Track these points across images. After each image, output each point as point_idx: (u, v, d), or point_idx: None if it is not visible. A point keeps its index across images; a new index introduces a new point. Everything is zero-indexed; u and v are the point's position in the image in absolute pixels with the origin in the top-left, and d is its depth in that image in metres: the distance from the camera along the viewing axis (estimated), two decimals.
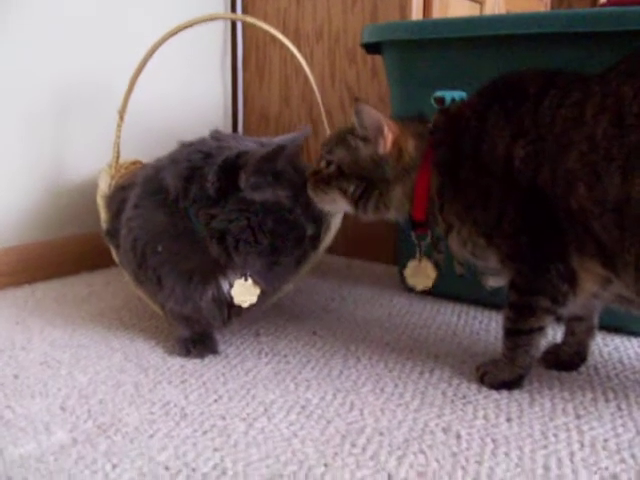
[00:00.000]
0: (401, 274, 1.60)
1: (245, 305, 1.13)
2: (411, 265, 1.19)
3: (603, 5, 1.39)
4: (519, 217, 0.97)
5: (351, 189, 1.05)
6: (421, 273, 1.18)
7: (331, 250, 1.46)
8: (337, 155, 1.07)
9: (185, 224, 1.07)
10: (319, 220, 1.14)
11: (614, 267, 0.93)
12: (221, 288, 1.12)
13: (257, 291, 1.13)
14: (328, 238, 1.36)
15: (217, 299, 1.12)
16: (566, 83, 0.96)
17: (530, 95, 0.97)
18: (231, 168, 1.03)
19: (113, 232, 1.22)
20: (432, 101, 1.31)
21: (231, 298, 1.12)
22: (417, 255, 1.17)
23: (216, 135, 1.15)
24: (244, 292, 1.12)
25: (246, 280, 1.12)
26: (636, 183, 0.87)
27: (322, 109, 1.49)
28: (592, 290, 0.98)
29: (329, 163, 1.07)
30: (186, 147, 1.13)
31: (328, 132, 1.49)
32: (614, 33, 1.12)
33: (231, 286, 1.12)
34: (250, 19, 1.45)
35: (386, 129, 1.02)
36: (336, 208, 1.12)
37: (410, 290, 1.57)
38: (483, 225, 1.01)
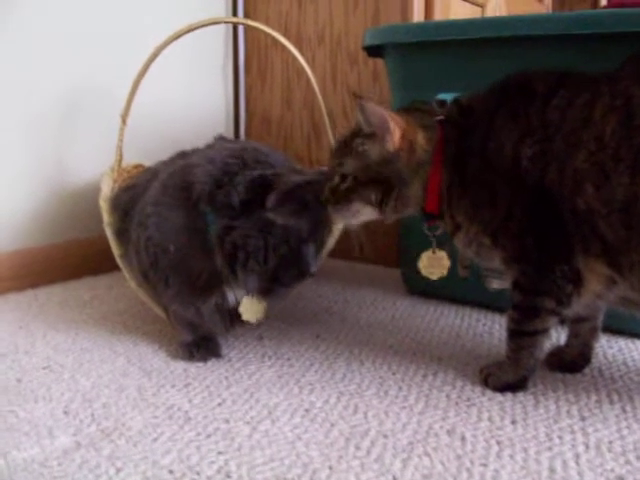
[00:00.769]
0: (404, 277, 1.60)
1: (253, 321, 1.13)
2: (425, 256, 1.18)
3: (605, 7, 1.38)
4: (525, 217, 0.97)
5: (372, 196, 1.03)
6: (436, 263, 1.17)
7: (334, 254, 1.46)
8: (350, 166, 1.04)
9: (201, 228, 1.06)
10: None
11: (619, 267, 0.93)
12: (225, 297, 1.12)
13: (264, 306, 1.13)
14: (331, 242, 1.36)
15: (220, 307, 1.12)
16: (575, 83, 0.96)
17: (539, 95, 0.96)
18: (264, 185, 1.03)
19: (123, 231, 1.22)
20: (434, 104, 1.31)
21: (234, 307, 1.12)
22: (432, 246, 1.16)
23: (255, 148, 1.14)
24: (251, 309, 1.12)
25: (253, 296, 1.12)
26: None
27: (324, 112, 1.49)
28: (596, 291, 0.98)
29: (344, 177, 1.05)
30: (224, 149, 1.12)
31: (330, 135, 1.49)
32: (616, 35, 1.12)
33: (236, 297, 1.12)
34: (252, 22, 1.45)
35: (392, 124, 1.00)
36: (362, 218, 1.09)
37: (413, 292, 1.57)
38: (489, 224, 1.00)
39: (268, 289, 1.09)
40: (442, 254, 1.15)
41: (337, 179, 1.06)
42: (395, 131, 1.01)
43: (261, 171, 1.05)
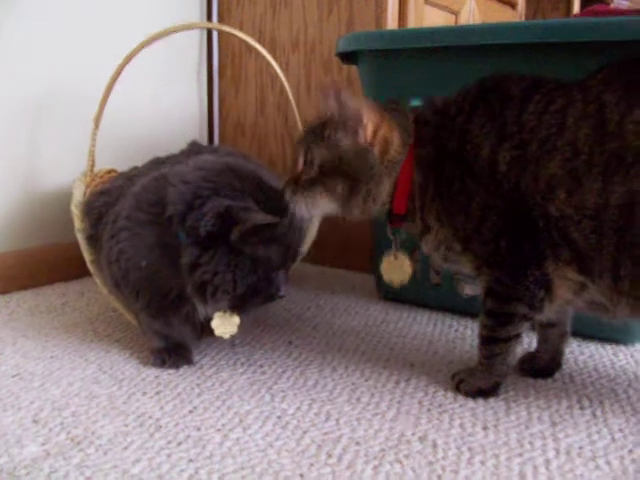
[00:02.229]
0: (377, 282, 1.60)
1: (226, 337, 1.13)
2: (386, 260, 1.17)
3: (576, 16, 1.40)
4: (500, 222, 0.97)
5: (338, 188, 1.02)
6: (397, 268, 1.16)
7: (306, 259, 1.45)
8: (318, 155, 1.02)
9: (173, 245, 1.04)
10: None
11: (590, 273, 0.93)
12: (196, 309, 1.10)
13: (237, 321, 1.12)
14: (304, 247, 1.36)
15: (191, 317, 1.11)
16: (549, 89, 0.96)
17: (515, 99, 0.97)
18: (229, 219, 1.00)
19: (96, 237, 1.21)
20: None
21: (205, 318, 1.11)
22: (392, 250, 1.15)
23: (233, 168, 1.11)
24: (224, 324, 1.12)
25: (225, 312, 1.11)
26: (615, 190, 0.88)
27: (298, 118, 1.49)
28: (566, 297, 0.98)
29: (310, 164, 1.03)
30: (199, 169, 1.09)
31: None
32: (587, 43, 1.13)
33: (206, 311, 1.11)
34: (226, 28, 1.45)
35: (366, 117, 0.99)
36: (320, 211, 1.08)
37: (386, 298, 1.58)
38: (462, 229, 1.00)
39: (239, 307, 1.09)
40: (404, 259, 1.15)
41: (301, 165, 1.05)
42: (368, 125, 1.00)
43: (231, 201, 1.02)
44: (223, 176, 1.07)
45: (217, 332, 1.11)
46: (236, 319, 1.12)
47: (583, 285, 0.96)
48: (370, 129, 1.00)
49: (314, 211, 1.07)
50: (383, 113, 1.02)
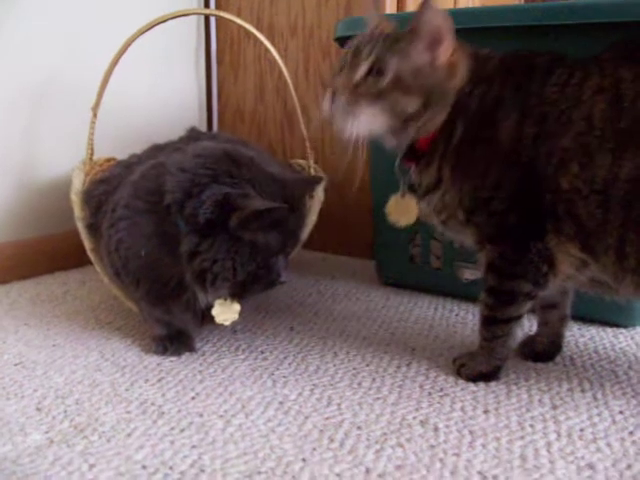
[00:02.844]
0: (378, 268, 1.60)
1: (227, 324, 1.13)
2: (393, 200, 1.12)
3: None
4: (513, 193, 0.96)
5: (410, 106, 0.95)
6: (404, 208, 1.12)
7: (307, 245, 1.46)
8: (393, 63, 0.94)
9: (172, 233, 1.04)
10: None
11: (593, 250, 0.93)
12: (196, 297, 1.10)
13: (238, 308, 1.12)
14: (305, 234, 1.36)
15: (192, 305, 1.11)
16: (569, 63, 0.96)
17: (542, 72, 0.96)
18: (228, 206, 1.00)
19: (96, 226, 1.21)
20: None
21: (207, 306, 1.11)
22: (400, 189, 1.10)
23: (231, 155, 1.09)
24: (225, 311, 1.11)
25: (225, 299, 1.11)
26: (625, 165, 0.88)
27: (297, 103, 1.48)
28: (569, 272, 0.98)
29: (379, 72, 0.94)
30: (198, 156, 1.08)
31: (302, 126, 1.49)
32: (589, 25, 1.12)
33: (207, 298, 1.10)
34: (224, 14, 1.45)
35: (445, 39, 0.95)
36: (371, 130, 0.97)
37: (387, 283, 1.58)
38: (472, 196, 0.98)
39: (239, 294, 1.09)
40: (410, 199, 1.10)
41: (363, 72, 0.95)
42: (448, 46, 0.95)
43: (229, 189, 1.02)
44: (221, 163, 1.06)
45: (218, 320, 1.11)
46: (237, 306, 1.12)
47: (584, 262, 0.96)
48: (446, 51, 0.95)
49: (367, 128, 0.96)
50: (461, 42, 0.98)
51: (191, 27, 2.05)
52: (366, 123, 0.96)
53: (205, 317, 1.15)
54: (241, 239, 1.02)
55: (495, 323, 1.03)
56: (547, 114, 0.94)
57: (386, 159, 1.20)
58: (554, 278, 0.98)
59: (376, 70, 0.95)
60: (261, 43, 1.43)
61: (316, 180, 1.25)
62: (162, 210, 1.04)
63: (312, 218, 1.39)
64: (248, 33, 1.42)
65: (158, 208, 1.05)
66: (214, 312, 1.11)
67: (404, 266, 1.53)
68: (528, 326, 1.24)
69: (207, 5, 2.04)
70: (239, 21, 1.41)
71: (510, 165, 0.96)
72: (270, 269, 1.06)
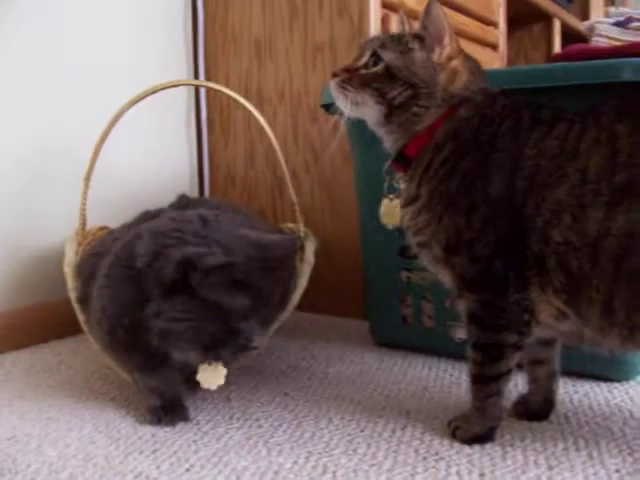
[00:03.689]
0: (371, 328, 1.61)
1: (213, 388, 1.12)
2: (384, 203, 1.20)
3: (558, 55, 1.43)
4: (500, 239, 0.96)
5: (394, 93, 1.00)
6: (390, 211, 1.19)
7: (300, 307, 1.46)
8: (389, 54, 1.02)
9: (149, 297, 1.04)
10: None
11: (577, 303, 0.94)
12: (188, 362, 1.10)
13: (224, 371, 1.12)
14: (296, 297, 1.37)
15: (184, 371, 1.11)
16: (569, 115, 0.97)
17: (545, 125, 0.97)
18: (189, 265, 1.00)
19: (84, 300, 1.22)
20: None
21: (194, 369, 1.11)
22: (385, 192, 1.18)
23: (204, 217, 1.10)
24: (210, 376, 1.11)
25: (209, 364, 1.10)
26: (617, 219, 0.89)
27: (285, 169, 1.50)
28: (547, 322, 0.99)
29: (376, 61, 1.02)
30: (172, 220, 1.10)
31: (292, 192, 1.51)
32: (566, 87, 1.16)
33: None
34: (213, 84, 1.48)
35: (446, 40, 1.00)
36: (361, 113, 1.05)
37: (380, 344, 1.58)
38: (453, 232, 0.99)
39: (212, 359, 1.07)
40: (396, 203, 1.15)
41: (365, 59, 1.04)
42: (447, 47, 1.01)
43: (192, 248, 1.02)
44: (191, 225, 1.08)
45: (203, 385, 1.11)
46: (222, 370, 1.11)
47: (564, 314, 0.96)
48: (447, 52, 1.01)
49: (357, 110, 1.04)
50: (464, 51, 1.04)
51: (182, 95, 2.09)
52: (355, 104, 1.03)
53: (197, 383, 1.15)
54: (205, 299, 1.01)
55: (485, 381, 1.02)
56: (543, 167, 0.94)
57: (377, 220, 1.23)
58: (536, 325, 0.99)
59: (373, 61, 1.03)
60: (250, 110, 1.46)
61: (294, 241, 1.21)
62: (138, 275, 1.05)
63: (303, 281, 1.40)
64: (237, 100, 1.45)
65: (134, 275, 1.06)
66: (198, 377, 1.11)
67: (397, 327, 1.54)
68: (523, 384, 1.24)
69: (196, 73, 2.08)
70: (227, 91, 1.44)
71: (498, 213, 0.96)
72: (238, 333, 1.04)
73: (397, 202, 1.14)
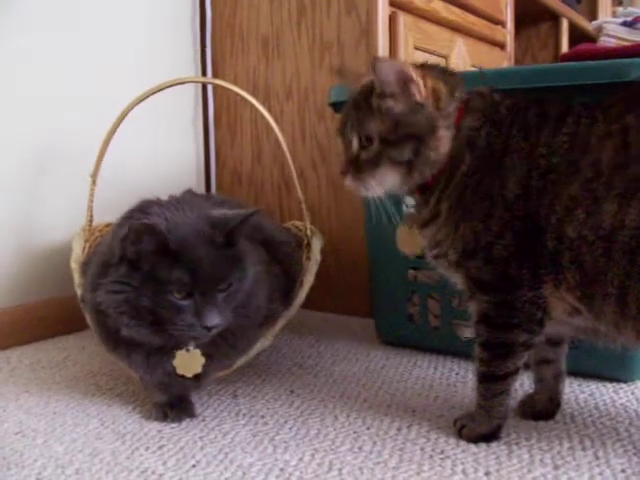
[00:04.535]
0: (377, 327, 1.61)
1: (189, 375, 1.12)
2: (401, 231, 1.20)
3: (564, 57, 1.43)
4: (518, 241, 0.96)
5: (405, 154, 0.98)
6: (411, 240, 1.20)
7: (306, 305, 1.46)
8: (373, 127, 0.99)
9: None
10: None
11: (591, 299, 0.93)
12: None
13: (202, 360, 1.11)
14: (302, 295, 1.37)
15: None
16: (577, 110, 0.97)
17: (554, 121, 0.97)
18: (126, 238, 1.01)
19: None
20: None
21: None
22: (404, 221, 1.19)
23: (182, 200, 1.14)
24: (187, 363, 1.11)
25: (187, 351, 1.10)
26: (630, 212, 0.89)
27: (292, 167, 1.50)
28: (561, 318, 0.99)
29: (368, 140, 1.00)
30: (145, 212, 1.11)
31: (298, 190, 1.51)
32: (572, 87, 1.15)
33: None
34: (220, 81, 1.48)
35: (414, 73, 0.97)
36: (388, 187, 1.02)
37: (386, 342, 1.58)
38: (470, 238, 0.99)
39: (165, 338, 1.06)
40: (416, 232, 1.11)
41: (355, 145, 1.02)
42: (419, 80, 0.97)
43: (134, 221, 1.02)
44: (156, 207, 1.11)
45: (179, 371, 1.11)
46: (199, 357, 1.11)
47: (577, 309, 0.96)
48: (422, 85, 0.98)
49: (383, 187, 1.02)
50: (417, 67, 1.01)
51: (189, 93, 2.10)
52: (379, 184, 1.01)
53: (203, 378, 1.15)
54: (140, 270, 1.02)
55: (492, 380, 1.02)
56: (555, 164, 0.94)
57: (382, 219, 1.22)
58: (549, 321, 0.99)
59: (365, 138, 1.00)
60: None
61: (250, 213, 1.13)
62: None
63: (309, 279, 1.40)
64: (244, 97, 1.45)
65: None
66: (175, 363, 1.11)
67: (403, 325, 1.54)
68: (528, 383, 1.24)
69: (204, 71, 2.08)
70: (235, 88, 1.44)
71: (515, 214, 0.96)
72: (181, 309, 1.02)
73: (415, 230, 1.11)
